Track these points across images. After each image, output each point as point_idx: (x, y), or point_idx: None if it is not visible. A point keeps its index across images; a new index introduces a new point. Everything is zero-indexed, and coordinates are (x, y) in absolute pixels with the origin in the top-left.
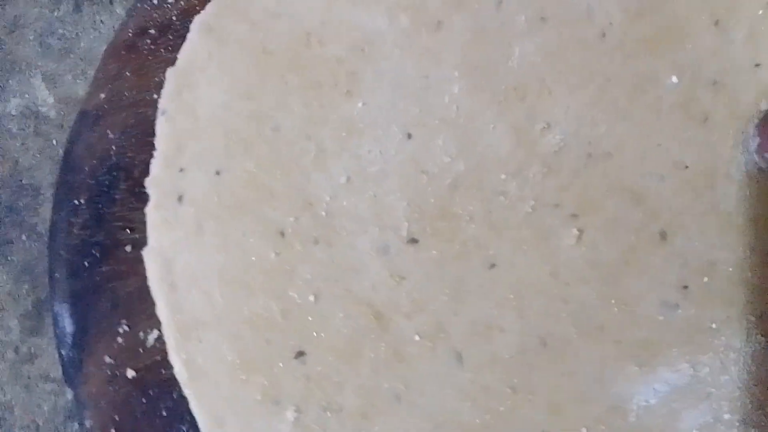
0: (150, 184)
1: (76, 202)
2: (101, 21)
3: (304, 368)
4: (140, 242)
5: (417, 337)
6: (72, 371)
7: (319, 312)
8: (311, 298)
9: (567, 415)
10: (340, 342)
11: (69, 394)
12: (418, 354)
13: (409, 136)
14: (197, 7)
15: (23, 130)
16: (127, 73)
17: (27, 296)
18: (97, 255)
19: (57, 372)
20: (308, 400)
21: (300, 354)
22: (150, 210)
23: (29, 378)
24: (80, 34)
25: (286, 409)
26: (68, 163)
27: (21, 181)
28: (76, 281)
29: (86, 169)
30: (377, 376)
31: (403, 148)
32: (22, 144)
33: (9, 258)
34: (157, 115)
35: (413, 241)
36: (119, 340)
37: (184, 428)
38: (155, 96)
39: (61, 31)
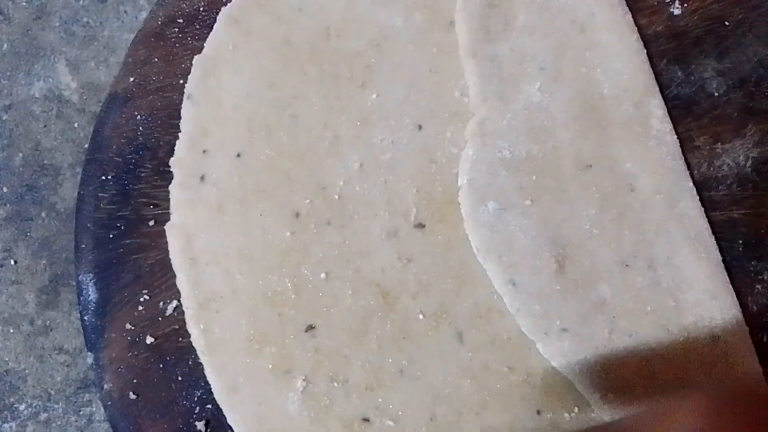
0: (174, 164)
1: (103, 178)
2: (125, 11)
3: (314, 341)
4: (163, 218)
5: (421, 317)
6: (94, 337)
7: (330, 290)
8: (323, 276)
9: (561, 396)
10: (349, 318)
11: (89, 358)
12: (422, 332)
13: (420, 127)
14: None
15: (46, 112)
16: (156, 59)
17: (44, 271)
18: (122, 228)
19: (70, 344)
20: (317, 372)
21: (310, 328)
22: (174, 188)
23: (43, 349)
24: (104, 22)
25: (295, 378)
26: (97, 142)
27: (43, 161)
28: (101, 252)
29: (114, 147)
30: (383, 352)
31: (414, 138)
32: (45, 126)
33: (28, 234)
34: (183, 100)
35: (420, 225)
36: (140, 308)
37: (198, 393)
38: (181, 82)
39: (85, 19)
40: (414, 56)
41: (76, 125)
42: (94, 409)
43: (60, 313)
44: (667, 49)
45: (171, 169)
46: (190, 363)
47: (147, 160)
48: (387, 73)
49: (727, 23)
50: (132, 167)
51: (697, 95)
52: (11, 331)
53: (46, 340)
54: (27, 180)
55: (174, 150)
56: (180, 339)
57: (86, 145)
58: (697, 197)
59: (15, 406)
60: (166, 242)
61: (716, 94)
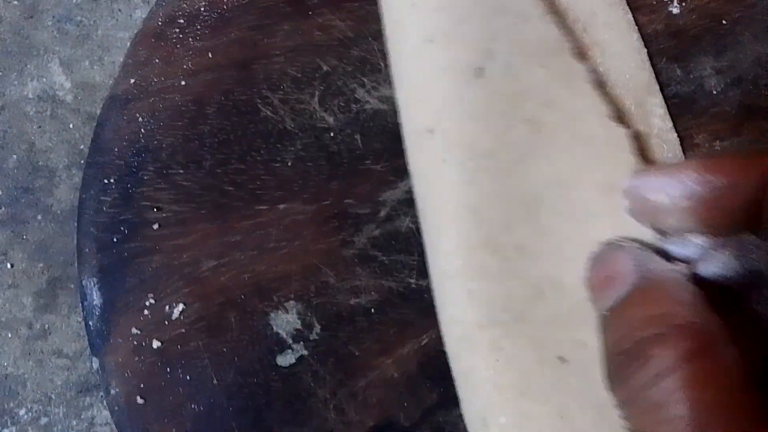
0: None
1: (105, 181)
2: (119, 9)
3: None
4: (167, 221)
5: None
6: (99, 341)
7: None
8: None
9: None
10: None
11: (94, 364)
12: None
13: None
14: None
15: (40, 113)
16: (156, 60)
17: (41, 274)
18: (125, 232)
19: (69, 348)
20: None
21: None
22: None
23: (42, 353)
24: (98, 21)
25: None
26: (98, 145)
27: (38, 163)
28: (104, 256)
29: (115, 150)
30: None
31: None
32: (39, 127)
33: (24, 237)
34: (184, 101)
35: None
36: (145, 312)
37: (206, 397)
38: (183, 83)
39: (79, 17)
40: None
41: (71, 126)
42: (95, 412)
43: (58, 316)
44: (666, 48)
45: (174, 171)
46: (197, 366)
47: (149, 163)
48: None
49: (724, 21)
50: (134, 170)
51: (696, 93)
52: (9, 335)
53: (44, 344)
54: (22, 182)
55: (176, 153)
56: (187, 343)
57: (82, 146)
58: None
59: (15, 411)
60: (170, 245)
61: (714, 92)
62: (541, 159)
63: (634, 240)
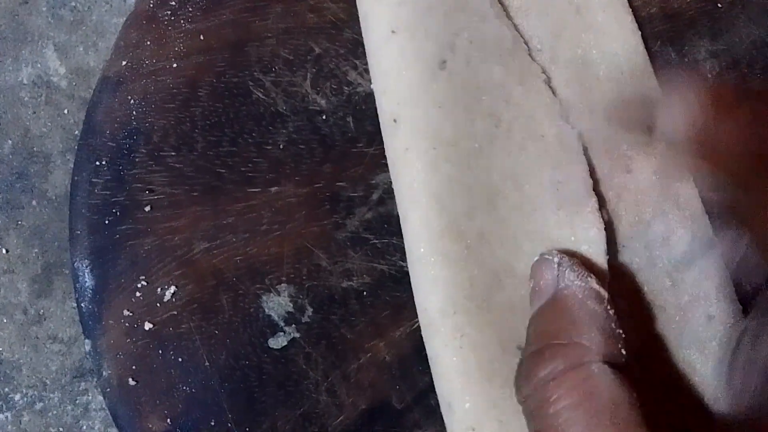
0: None
1: (97, 163)
2: None
3: None
4: (159, 203)
5: None
6: (91, 323)
7: None
8: None
9: None
10: None
11: (87, 346)
12: None
13: None
14: None
15: (35, 99)
16: (148, 42)
17: (37, 260)
18: (117, 214)
19: (65, 333)
20: None
21: None
22: None
23: (37, 338)
24: (92, 6)
25: None
26: (90, 126)
27: (33, 148)
28: (96, 238)
29: (107, 132)
30: None
31: None
32: (34, 112)
33: (19, 223)
34: (176, 83)
35: None
36: (137, 294)
37: (198, 379)
38: (175, 65)
39: (73, 3)
40: None
41: (65, 111)
42: (90, 398)
43: (53, 301)
44: (661, 31)
45: (165, 153)
46: (189, 348)
47: (141, 145)
48: None
49: (720, 5)
50: (126, 152)
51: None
52: (4, 320)
53: (40, 330)
54: (17, 168)
55: (168, 135)
56: (179, 325)
57: (76, 132)
58: (692, 179)
59: (10, 396)
60: (162, 228)
61: (709, 76)
62: (501, 152)
63: (565, 251)
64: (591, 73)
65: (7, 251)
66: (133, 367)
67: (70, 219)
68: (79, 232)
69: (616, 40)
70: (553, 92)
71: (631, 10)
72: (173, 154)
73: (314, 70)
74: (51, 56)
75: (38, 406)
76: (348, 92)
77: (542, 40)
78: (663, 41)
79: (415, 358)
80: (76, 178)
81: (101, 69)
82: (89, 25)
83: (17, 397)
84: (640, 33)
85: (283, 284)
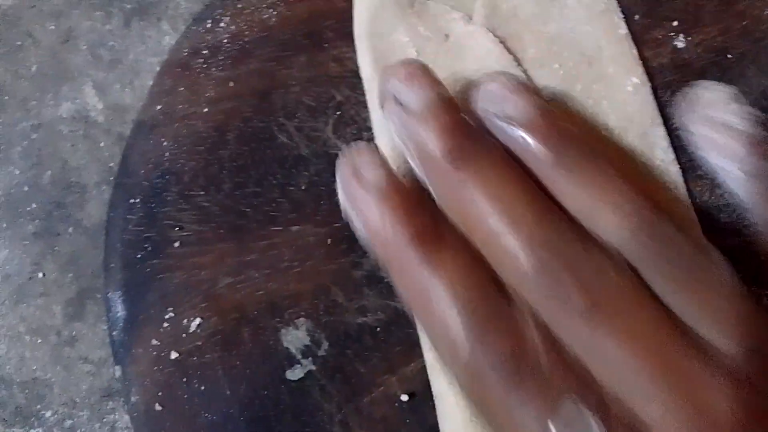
0: None
1: (131, 201)
2: (149, 36)
3: None
4: (188, 239)
5: None
6: (122, 352)
7: None
8: None
9: None
10: None
11: (117, 372)
12: None
13: None
14: (246, 32)
15: (73, 132)
16: (181, 88)
17: (71, 284)
18: (149, 249)
19: (95, 355)
20: None
21: None
22: None
23: (69, 359)
24: (129, 46)
25: None
26: (125, 167)
27: (70, 179)
28: (129, 272)
29: (141, 172)
30: None
31: None
32: (72, 145)
33: (56, 249)
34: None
35: None
36: (165, 325)
37: (219, 407)
38: (205, 110)
39: (111, 43)
40: None
41: (102, 144)
42: (117, 416)
43: (85, 324)
44: (672, 81)
45: (195, 193)
46: (212, 378)
47: (172, 185)
48: None
49: (730, 55)
50: (158, 191)
51: None
52: (39, 341)
53: (72, 351)
54: (55, 197)
55: (197, 176)
56: (203, 355)
57: (111, 164)
58: (699, 226)
59: (42, 413)
60: (190, 263)
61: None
62: None
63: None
64: (601, 122)
65: (44, 275)
66: (160, 394)
67: (105, 253)
68: (113, 266)
69: (627, 91)
70: None
71: (641, 61)
72: (202, 193)
73: (336, 116)
74: (89, 93)
75: (68, 423)
76: (367, 137)
77: (555, 90)
78: (674, 91)
79: (425, 394)
80: (111, 214)
81: (138, 108)
82: (126, 64)
83: (48, 413)
84: (650, 84)
85: (301, 319)
